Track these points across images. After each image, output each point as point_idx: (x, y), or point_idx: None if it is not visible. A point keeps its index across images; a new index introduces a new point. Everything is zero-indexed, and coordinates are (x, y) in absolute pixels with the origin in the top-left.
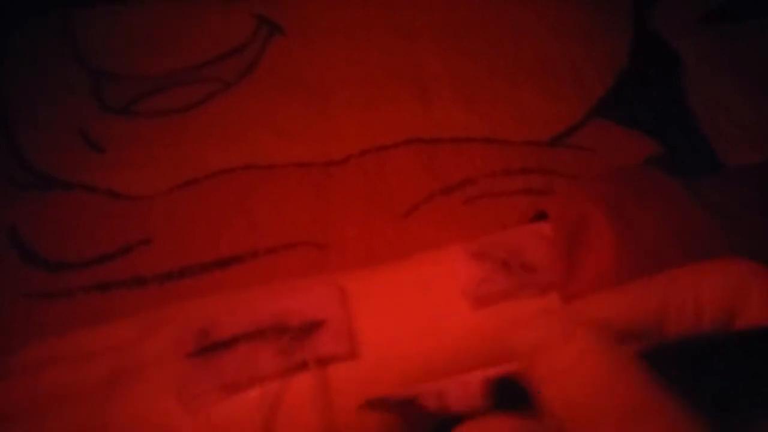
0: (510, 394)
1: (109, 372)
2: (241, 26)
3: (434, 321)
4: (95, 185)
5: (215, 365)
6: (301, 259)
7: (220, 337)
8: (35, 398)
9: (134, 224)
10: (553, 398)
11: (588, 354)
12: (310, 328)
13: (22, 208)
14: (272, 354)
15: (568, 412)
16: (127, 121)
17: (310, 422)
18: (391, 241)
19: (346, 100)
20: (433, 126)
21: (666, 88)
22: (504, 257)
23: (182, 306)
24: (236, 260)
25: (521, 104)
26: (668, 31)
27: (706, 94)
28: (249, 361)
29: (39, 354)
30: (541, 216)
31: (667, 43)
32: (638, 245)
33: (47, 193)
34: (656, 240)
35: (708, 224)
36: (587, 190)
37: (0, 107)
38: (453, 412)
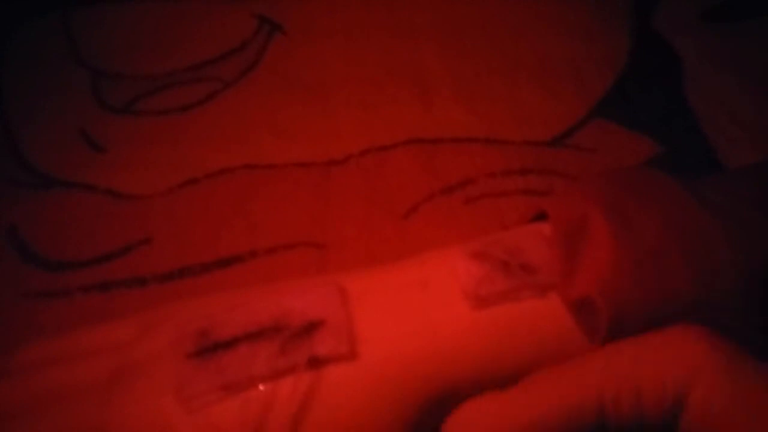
0: None
1: (108, 372)
2: (241, 26)
3: (434, 321)
4: (95, 185)
5: (215, 365)
6: (301, 259)
7: (219, 337)
8: (35, 398)
9: (134, 224)
10: None
11: None
12: (310, 328)
13: (22, 208)
14: (272, 354)
15: None
16: (127, 121)
17: (310, 422)
18: (391, 241)
19: (346, 100)
20: (433, 126)
21: (667, 87)
22: (504, 257)
23: (182, 306)
24: (236, 260)
25: (521, 104)
26: (669, 29)
27: (707, 93)
28: (249, 361)
29: (39, 354)
30: (541, 216)
31: (668, 42)
32: (638, 245)
33: (47, 193)
34: (656, 240)
35: (708, 224)
36: (587, 190)
37: (0, 107)
38: None
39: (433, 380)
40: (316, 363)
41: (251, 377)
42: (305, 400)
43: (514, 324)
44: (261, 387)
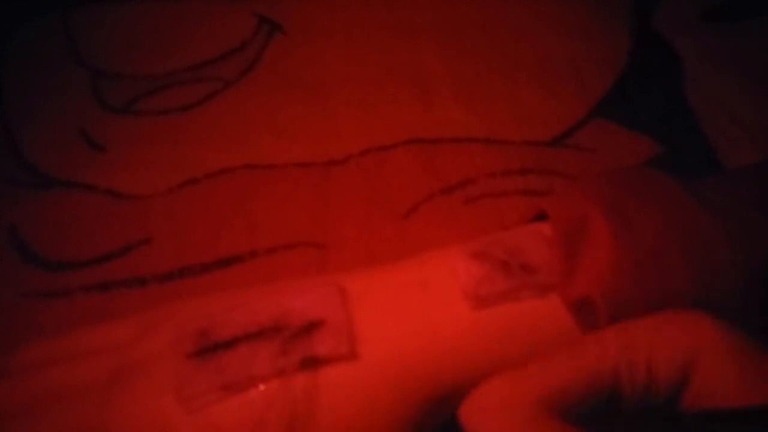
0: None
1: (108, 372)
2: (241, 26)
3: (434, 321)
4: (95, 185)
5: (215, 365)
6: (301, 259)
7: (219, 337)
8: (35, 398)
9: (134, 224)
10: None
11: None
12: (310, 328)
13: (22, 208)
14: (272, 354)
15: None
16: (127, 121)
17: (310, 422)
18: (391, 241)
19: (346, 100)
20: (433, 126)
21: (667, 87)
22: (504, 257)
23: (182, 306)
24: (236, 260)
25: (521, 104)
26: (669, 29)
27: (707, 93)
28: (249, 361)
29: (39, 354)
30: (541, 216)
31: (668, 42)
32: (638, 245)
33: (47, 193)
34: (656, 240)
35: (708, 224)
36: (587, 190)
37: (0, 107)
38: None
39: (433, 380)
40: (316, 363)
41: (251, 377)
42: (305, 400)
43: (514, 324)
44: (261, 387)
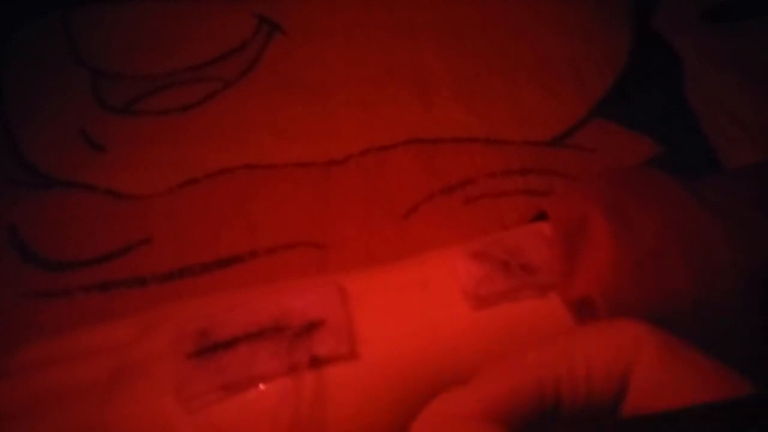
0: None
1: (108, 372)
2: (241, 26)
3: (434, 321)
4: (95, 185)
5: (215, 365)
6: (301, 260)
7: (219, 337)
8: (35, 398)
9: (134, 224)
10: None
11: None
12: (310, 328)
13: (22, 208)
14: (272, 354)
15: None
16: (127, 121)
17: (310, 423)
18: (391, 241)
19: (346, 100)
20: (433, 126)
21: (667, 87)
22: (504, 258)
23: (182, 306)
24: (236, 260)
25: (521, 104)
26: (669, 29)
27: (707, 93)
28: (249, 361)
29: (39, 354)
30: (541, 216)
31: (668, 42)
32: (638, 245)
33: (47, 193)
34: (656, 240)
35: (708, 224)
36: (587, 190)
37: (0, 107)
38: None
39: (433, 380)
40: (316, 363)
41: (251, 377)
42: (305, 400)
43: (514, 324)
44: (261, 387)
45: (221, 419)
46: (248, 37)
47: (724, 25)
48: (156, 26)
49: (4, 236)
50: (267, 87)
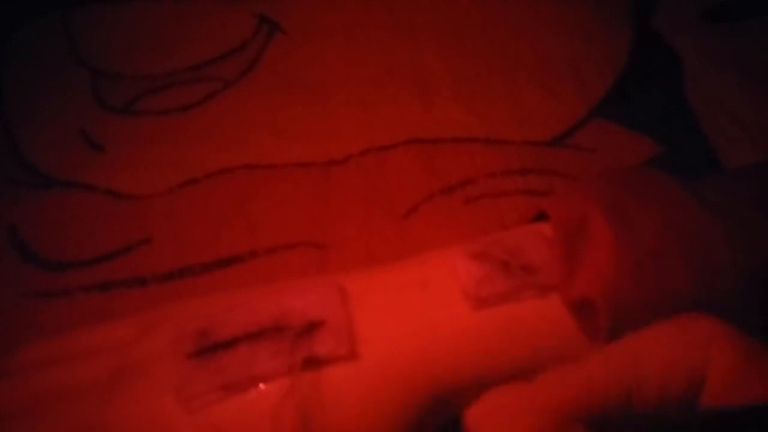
0: None
1: (108, 372)
2: (241, 26)
3: (434, 321)
4: (95, 185)
5: (215, 365)
6: (301, 259)
7: (219, 337)
8: (35, 398)
9: (134, 224)
10: None
11: None
12: (310, 328)
13: (22, 208)
14: (272, 354)
15: None
16: (127, 121)
17: (310, 423)
18: (391, 241)
19: (346, 100)
20: (433, 126)
21: (667, 87)
22: (504, 258)
23: (182, 306)
24: (236, 260)
25: (521, 104)
26: (669, 29)
27: (707, 93)
28: (249, 361)
29: (39, 354)
30: (541, 216)
31: (668, 42)
32: (638, 245)
33: (47, 193)
34: (656, 240)
35: (708, 224)
36: (587, 190)
37: (0, 107)
38: None
39: (433, 380)
40: (316, 363)
41: (251, 377)
42: (305, 400)
43: (514, 324)
44: (261, 387)
45: (221, 419)
46: (248, 37)
47: (724, 25)
48: (156, 26)
49: (4, 236)
50: (267, 87)
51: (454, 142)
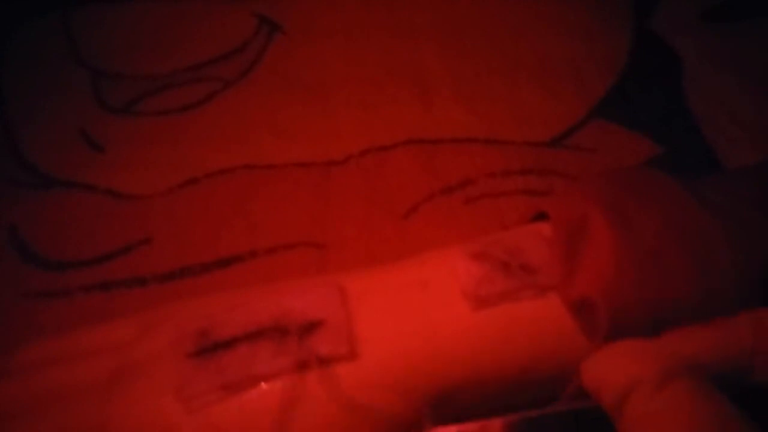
0: (595, 427)
1: (108, 371)
2: (241, 26)
3: (434, 321)
4: (95, 185)
5: (215, 365)
6: (301, 259)
7: (219, 337)
8: (35, 397)
9: (134, 224)
10: None
11: (685, 399)
12: (310, 328)
13: (22, 208)
14: (272, 354)
15: None
16: (127, 121)
17: (309, 422)
18: (391, 241)
19: (346, 100)
20: (433, 126)
21: (667, 87)
22: (504, 258)
23: (182, 306)
24: (236, 260)
25: (521, 104)
26: (669, 29)
27: (707, 93)
28: (249, 361)
29: (39, 354)
30: (541, 216)
31: (668, 42)
32: (638, 246)
33: (47, 193)
34: (656, 240)
35: (708, 224)
36: (587, 190)
37: (0, 107)
38: None
39: (433, 380)
40: (316, 363)
41: (251, 377)
42: (305, 400)
43: (514, 324)
44: (261, 387)
45: (221, 419)
46: (248, 37)
47: (724, 25)
48: (156, 26)
49: (4, 236)
50: (267, 87)
51: (454, 142)
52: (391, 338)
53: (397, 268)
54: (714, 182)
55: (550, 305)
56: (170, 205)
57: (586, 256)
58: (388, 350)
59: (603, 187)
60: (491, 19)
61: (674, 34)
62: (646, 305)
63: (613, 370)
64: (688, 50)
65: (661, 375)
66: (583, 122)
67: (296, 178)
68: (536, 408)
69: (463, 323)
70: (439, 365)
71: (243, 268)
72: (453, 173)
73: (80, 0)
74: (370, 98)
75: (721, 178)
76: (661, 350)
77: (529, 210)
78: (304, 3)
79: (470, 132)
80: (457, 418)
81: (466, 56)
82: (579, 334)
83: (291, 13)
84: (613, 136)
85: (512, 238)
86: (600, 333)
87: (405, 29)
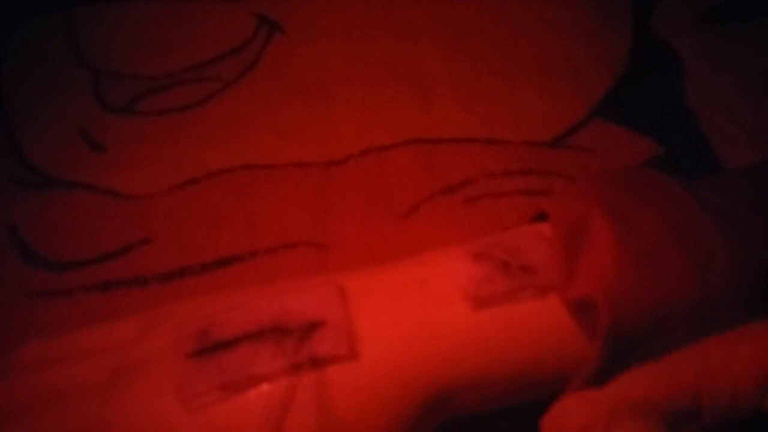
0: None
1: (109, 371)
2: (241, 26)
3: (434, 321)
4: (96, 185)
5: (215, 365)
6: (301, 259)
7: (220, 337)
8: (35, 397)
9: (134, 224)
10: None
11: None
12: (310, 328)
13: (23, 208)
14: (272, 354)
15: None
16: (127, 121)
17: (310, 423)
18: (391, 241)
19: (346, 100)
20: (433, 126)
21: (665, 88)
22: (504, 258)
23: (182, 306)
24: (236, 260)
25: (521, 104)
26: (668, 30)
27: (706, 93)
28: (249, 361)
29: (39, 353)
30: (541, 216)
31: (666, 43)
32: (638, 246)
33: (47, 193)
34: (656, 241)
35: (708, 225)
36: (587, 190)
37: (1, 107)
38: None
39: (432, 380)
40: (316, 363)
41: (251, 377)
42: (305, 400)
43: (513, 325)
44: (261, 387)
45: (221, 419)
46: (248, 37)
47: (722, 26)
48: (156, 26)
49: (4, 236)
50: (267, 87)
51: (453, 142)
52: (391, 338)
53: (396, 268)
54: (713, 182)
55: (550, 305)
56: (170, 205)
57: (586, 257)
58: (388, 350)
59: (603, 187)
60: (491, 19)
61: (673, 35)
62: (646, 305)
63: (565, 422)
64: (687, 51)
65: (608, 420)
66: (583, 122)
67: (296, 178)
68: (536, 408)
69: (462, 323)
70: (439, 365)
71: (243, 268)
72: (453, 173)
73: (81, 0)
74: (370, 98)
75: (720, 179)
76: (609, 397)
77: (529, 210)
78: (304, 3)
79: (470, 132)
80: (456, 418)
81: (465, 56)
82: (579, 334)
83: (291, 13)
84: (612, 137)
85: (512, 239)
86: (600, 333)
87: (405, 29)
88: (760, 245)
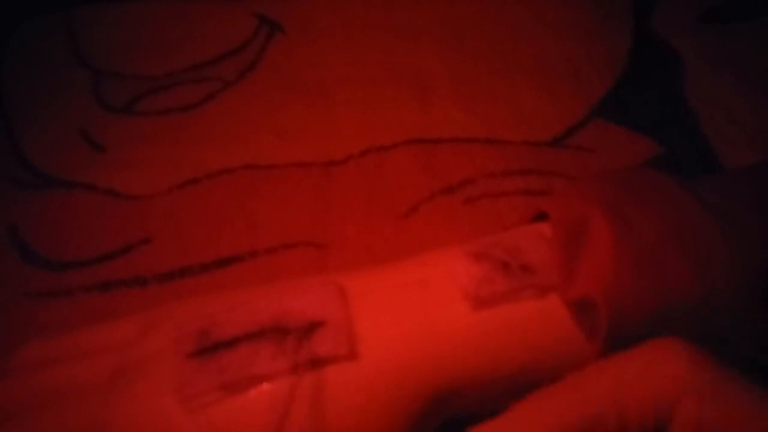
0: None
1: (109, 371)
2: (241, 26)
3: (434, 321)
4: (96, 185)
5: (215, 365)
6: (301, 259)
7: (220, 337)
8: (35, 397)
9: (134, 224)
10: None
11: None
12: (310, 328)
13: (23, 208)
14: (272, 354)
15: None
16: (127, 121)
17: (309, 422)
18: (391, 241)
19: (346, 100)
20: (433, 126)
21: (665, 88)
22: (504, 258)
23: (182, 306)
24: (236, 260)
25: (521, 104)
26: (668, 30)
27: (706, 93)
28: (249, 361)
29: (39, 353)
30: (541, 216)
31: (666, 43)
32: (638, 246)
33: (48, 193)
34: (656, 241)
35: (708, 225)
36: (587, 190)
37: (1, 107)
38: None
39: (432, 380)
40: (316, 363)
41: (251, 377)
42: (305, 399)
43: (513, 324)
44: (261, 387)
45: (221, 419)
46: (248, 37)
47: (722, 26)
48: (156, 26)
49: (4, 236)
50: (267, 87)
51: (453, 142)
52: (391, 338)
53: (396, 268)
54: (713, 182)
55: (550, 305)
56: (170, 205)
57: (586, 257)
58: (388, 350)
59: (603, 187)
60: (491, 19)
61: (673, 35)
62: (645, 305)
63: None
64: (687, 51)
65: None
66: (583, 122)
67: (296, 178)
68: None
69: (462, 323)
70: (439, 365)
71: (243, 268)
72: (453, 173)
73: (81, 0)
74: (370, 98)
75: (720, 179)
76: (528, 424)
77: (529, 210)
78: (304, 3)
79: (470, 132)
80: (456, 418)
81: (465, 56)
82: (579, 333)
83: (291, 13)
84: (612, 137)
85: (512, 238)
86: (600, 333)
87: (405, 29)
88: (760, 245)
